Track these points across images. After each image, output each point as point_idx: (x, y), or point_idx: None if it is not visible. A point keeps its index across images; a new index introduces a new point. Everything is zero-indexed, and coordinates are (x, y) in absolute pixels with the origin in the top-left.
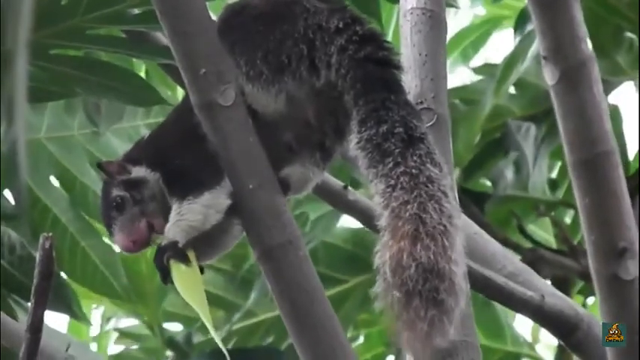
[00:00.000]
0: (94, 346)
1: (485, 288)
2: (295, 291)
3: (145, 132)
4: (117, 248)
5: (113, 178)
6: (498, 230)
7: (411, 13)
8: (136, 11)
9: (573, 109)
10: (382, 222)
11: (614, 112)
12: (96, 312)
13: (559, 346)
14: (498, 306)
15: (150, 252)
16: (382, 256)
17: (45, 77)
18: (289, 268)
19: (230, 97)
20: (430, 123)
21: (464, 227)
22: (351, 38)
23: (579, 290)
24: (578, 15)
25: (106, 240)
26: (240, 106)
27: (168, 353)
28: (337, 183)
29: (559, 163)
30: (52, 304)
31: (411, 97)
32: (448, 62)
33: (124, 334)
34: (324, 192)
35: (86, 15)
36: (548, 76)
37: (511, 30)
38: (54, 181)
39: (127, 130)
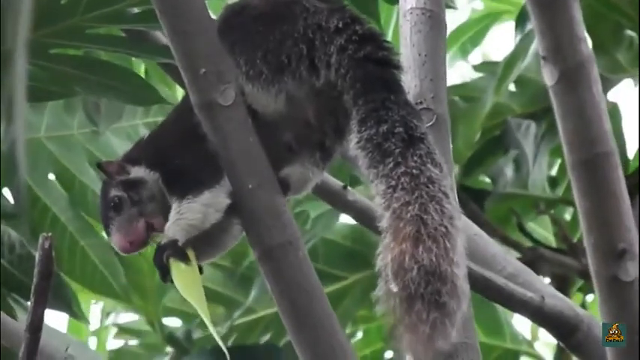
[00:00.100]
0: (93, 341)
1: (485, 289)
2: (295, 291)
3: (144, 131)
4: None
5: (112, 179)
6: (498, 228)
7: (411, 13)
8: (136, 10)
9: (572, 109)
10: (383, 223)
11: (614, 110)
12: (95, 306)
13: (559, 345)
14: None
15: (150, 249)
16: (384, 258)
17: (45, 76)
18: (289, 268)
19: (230, 97)
20: (430, 123)
21: (464, 228)
22: (350, 38)
23: (579, 288)
24: (578, 15)
25: (105, 239)
26: (240, 106)
27: (168, 349)
28: (337, 183)
29: (559, 161)
30: (51, 304)
31: (410, 97)
32: (447, 57)
33: (124, 330)
34: (323, 192)
35: (86, 14)
36: (548, 77)
37: (510, 24)
38: (53, 180)
39: (126, 130)
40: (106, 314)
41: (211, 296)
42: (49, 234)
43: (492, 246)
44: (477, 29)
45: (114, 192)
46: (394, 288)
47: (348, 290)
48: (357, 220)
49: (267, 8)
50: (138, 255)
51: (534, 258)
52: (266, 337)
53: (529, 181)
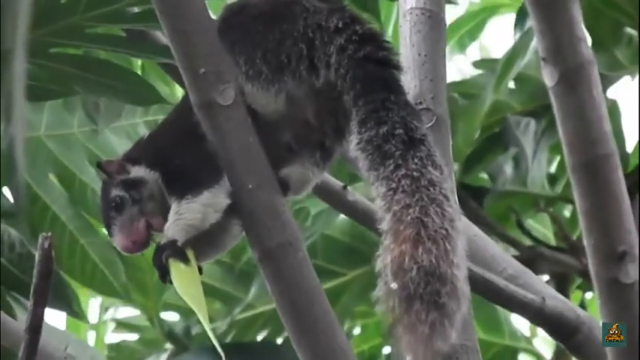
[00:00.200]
0: (91, 335)
1: (485, 291)
2: (295, 292)
3: (144, 130)
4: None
5: (112, 178)
6: (497, 225)
7: (411, 14)
8: (136, 10)
9: (572, 110)
10: (384, 225)
11: (613, 107)
12: (94, 300)
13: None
14: None
15: (151, 246)
16: (384, 259)
17: (44, 76)
18: (289, 269)
19: (229, 97)
20: (430, 124)
21: (464, 230)
22: (350, 38)
23: (578, 286)
24: (578, 15)
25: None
26: (240, 106)
27: (167, 345)
28: (337, 183)
29: (558, 158)
30: (52, 303)
31: (410, 98)
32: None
33: (123, 325)
34: (323, 192)
35: (85, 13)
36: (548, 78)
37: (508, 17)
38: (53, 178)
39: (125, 128)
40: (104, 309)
41: (209, 292)
42: (49, 234)
43: (492, 247)
44: (474, 23)
45: (115, 191)
46: (394, 286)
47: (347, 286)
48: (357, 221)
49: (266, 8)
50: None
51: (534, 256)
52: (264, 333)
53: (528, 178)
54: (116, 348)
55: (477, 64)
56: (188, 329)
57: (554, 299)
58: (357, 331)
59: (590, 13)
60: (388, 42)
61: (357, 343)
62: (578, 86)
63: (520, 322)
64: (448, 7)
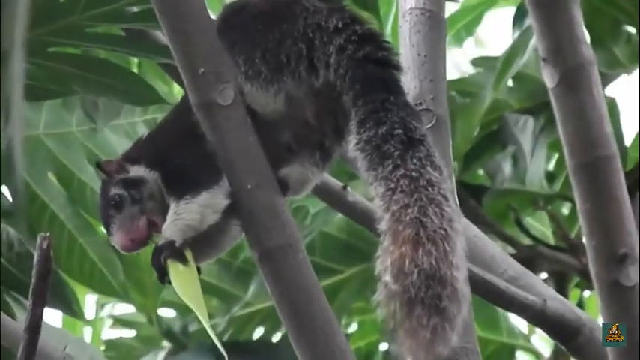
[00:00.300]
0: (88, 331)
1: (486, 292)
2: (294, 292)
3: (143, 129)
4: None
5: (112, 178)
6: (495, 224)
7: (410, 14)
8: (135, 9)
9: (573, 111)
10: (383, 226)
11: (611, 105)
12: (90, 295)
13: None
14: None
15: (148, 247)
16: (383, 261)
17: (43, 75)
18: (288, 270)
19: (229, 97)
20: (430, 125)
21: (463, 230)
22: (350, 38)
23: (576, 284)
24: (578, 16)
25: (104, 236)
26: (239, 106)
27: (164, 343)
28: (336, 183)
29: (556, 155)
30: (51, 302)
31: (409, 98)
32: None
33: (120, 321)
34: (323, 192)
35: (84, 13)
36: (548, 79)
37: (504, 10)
38: (52, 177)
39: (124, 127)
40: (101, 306)
41: (207, 289)
42: (48, 234)
43: (492, 248)
44: (471, 16)
45: (114, 190)
46: (394, 288)
47: (345, 283)
48: (356, 222)
49: (266, 7)
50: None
51: (533, 255)
52: (261, 330)
53: (526, 177)
54: (113, 345)
55: (475, 62)
56: (186, 327)
57: (555, 301)
58: (354, 327)
59: (589, 12)
60: (388, 42)
61: (354, 339)
62: (579, 87)
63: (518, 320)
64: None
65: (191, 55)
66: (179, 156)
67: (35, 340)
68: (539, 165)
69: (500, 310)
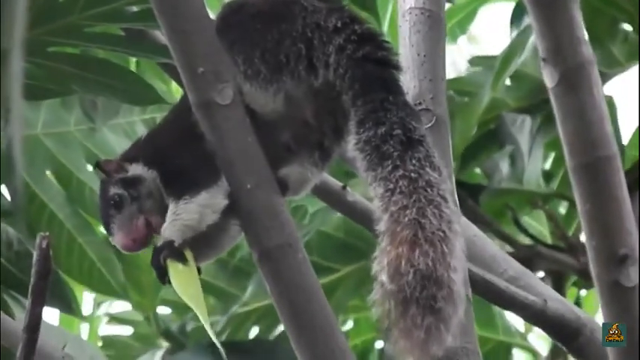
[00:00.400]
0: (85, 328)
1: (486, 292)
2: (294, 292)
3: (142, 128)
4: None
5: (111, 177)
6: (493, 222)
7: (410, 13)
8: (134, 9)
9: (573, 111)
10: (381, 226)
11: (609, 104)
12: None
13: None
14: None
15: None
16: (380, 262)
17: (42, 74)
18: (288, 270)
19: (228, 96)
20: (429, 124)
21: (463, 230)
22: (349, 37)
23: (573, 283)
24: (578, 15)
25: (103, 236)
26: (238, 105)
27: (161, 341)
28: (336, 183)
29: (553, 154)
30: (49, 301)
31: (409, 98)
32: None
33: (116, 320)
34: (322, 192)
35: (83, 12)
36: (548, 79)
37: (498, 6)
38: (50, 176)
39: (123, 126)
40: (97, 304)
41: (203, 287)
42: (47, 233)
43: (492, 248)
44: (464, 13)
45: (113, 190)
46: (390, 288)
47: (341, 282)
48: (356, 221)
49: (265, 7)
50: None
51: (531, 255)
52: (256, 330)
53: (524, 176)
54: (110, 343)
55: (472, 62)
56: (184, 327)
57: (555, 301)
58: (349, 325)
59: (586, 10)
60: (387, 42)
61: (349, 337)
62: (579, 87)
63: (514, 319)
64: None
65: (190, 54)
66: (178, 155)
67: (34, 340)
68: (536, 164)
69: (496, 308)
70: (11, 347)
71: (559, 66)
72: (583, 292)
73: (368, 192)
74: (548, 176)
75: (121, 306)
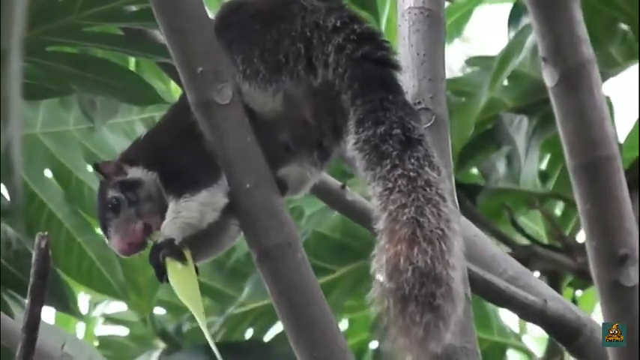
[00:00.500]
0: (81, 327)
1: (486, 292)
2: (293, 293)
3: (140, 127)
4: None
5: (109, 179)
6: (489, 222)
7: (409, 13)
8: (133, 8)
9: (573, 111)
10: (379, 225)
11: (607, 103)
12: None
13: (550, 339)
14: None
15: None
16: (379, 259)
17: (41, 74)
18: (287, 269)
19: (227, 96)
20: (428, 124)
21: (463, 230)
22: (348, 37)
23: (570, 283)
24: (578, 15)
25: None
26: (238, 105)
27: (157, 342)
28: (335, 182)
29: (548, 155)
30: (48, 301)
31: (408, 98)
32: None
33: (112, 320)
34: (321, 191)
35: (82, 12)
36: (548, 78)
37: (493, 7)
38: (49, 176)
39: (122, 126)
40: (93, 305)
41: (200, 288)
42: (46, 233)
43: (492, 248)
44: (460, 14)
45: (111, 193)
46: (389, 286)
47: (337, 283)
48: (354, 221)
49: (264, 6)
50: None
51: (528, 255)
52: (253, 330)
53: (521, 176)
54: (106, 343)
55: (470, 62)
56: (180, 327)
57: (555, 301)
58: (344, 325)
59: (586, 11)
60: (387, 41)
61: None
62: (579, 86)
63: (509, 319)
64: None
65: (189, 54)
66: (178, 155)
67: (33, 339)
68: (533, 164)
69: (491, 308)
70: (10, 347)
71: (559, 65)
72: (579, 293)
73: (367, 191)
74: (544, 176)
75: (117, 307)
